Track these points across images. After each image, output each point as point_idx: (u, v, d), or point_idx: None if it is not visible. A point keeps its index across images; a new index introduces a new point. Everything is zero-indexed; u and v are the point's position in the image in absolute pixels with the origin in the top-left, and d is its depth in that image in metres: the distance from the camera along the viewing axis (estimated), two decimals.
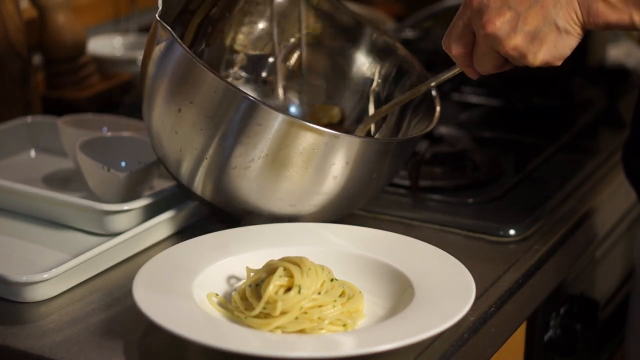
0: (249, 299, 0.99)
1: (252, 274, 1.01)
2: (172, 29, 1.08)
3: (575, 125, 1.53)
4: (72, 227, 1.18)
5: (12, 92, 1.44)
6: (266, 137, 1.06)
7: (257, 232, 1.10)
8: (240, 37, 1.31)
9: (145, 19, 1.84)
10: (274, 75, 1.33)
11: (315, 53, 1.34)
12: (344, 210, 1.17)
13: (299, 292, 0.97)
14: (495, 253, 1.18)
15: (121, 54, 1.72)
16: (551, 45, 0.99)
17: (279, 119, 1.06)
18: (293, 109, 1.33)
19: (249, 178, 1.09)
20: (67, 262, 1.07)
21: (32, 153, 1.40)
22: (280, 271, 0.98)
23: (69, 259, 1.09)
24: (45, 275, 1.04)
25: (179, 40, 1.08)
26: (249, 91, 1.31)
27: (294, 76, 1.34)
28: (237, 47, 1.31)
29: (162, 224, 1.17)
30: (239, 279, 1.05)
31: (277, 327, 0.96)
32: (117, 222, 1.16)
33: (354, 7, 1.42)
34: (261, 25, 1.32)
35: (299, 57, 1.34)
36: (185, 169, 1.12)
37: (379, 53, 1.31)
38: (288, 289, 0.98)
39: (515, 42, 0.99)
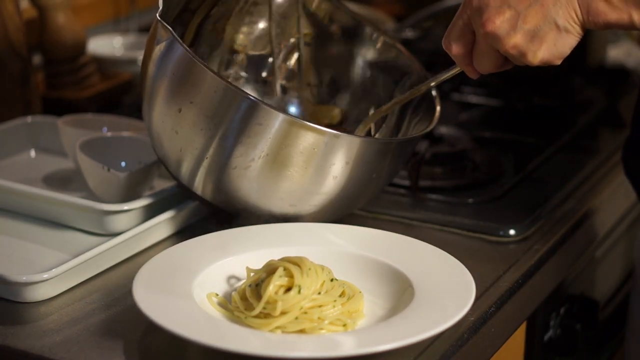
0: (249, 299, 0.99)
1: (252, 274, 1.01)
2: (172, 28, 1.08)
3: (575, 125, 1.53)
4: (72, 227, 1.18)
5: (12, 92, 1.44)
6: (266, 137, 1.06)
7: (257, 232, 1.10)
8: (240, 37, 1.31)
9: (145, 19, 1.84)
10: (274, 75, 1.33)
11: (315, 53, 1.34)
12: (344, 210, 1.17)
13: (299, 292, 0.97)
14: (495, 253, 1.18)
15: (121, 54, 1.72)
16: (551, 44, 0.99)
17: (279, 118, 1.06)
18: (293, 109, 1.33)
19: (249, 178, 1.09)
20: (67, 262, 1.07)
21: (32, 153, 1.40)
22: (280, 271, 0.98)
23: (69, 259, 1.09)
24: (45, 275, 1.04)
25: (180, 39, 1.08)
26: (249, 91, 1.31)
27: (294, 76, 1.34)
28: (237, 47, 1.31)
29: (162, 224, 1.17)
30: (239, 279, 1.05)
31: (277, 327, 0.96)
32: (117, 222, 1.16)
33: (354, 7, 1.42)
34: (261, 25, 1.32)
35: (299, 57, 1.34)
36: (185, 169, 1.12)
37: (379, 53, 1.32)
38: (288, 289, 0.98)
39: (515, 40, 0.99)
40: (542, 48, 0.99)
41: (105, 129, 1.34)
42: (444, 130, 1.46)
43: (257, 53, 1.32)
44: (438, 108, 1.21)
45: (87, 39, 1.56)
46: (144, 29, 1.82)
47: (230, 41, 1.30)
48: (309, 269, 0.99)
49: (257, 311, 0.97)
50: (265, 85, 1.33)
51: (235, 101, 1.06)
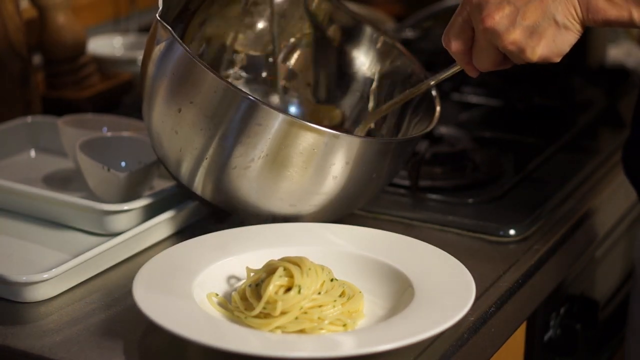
0: (249, 299, 0.99)
1: (252, 274, 1.01)
2: (172, 28, 1.08)
3: (575, 125, 1.53)
4: (72, 227, 1.18)
5: (12, 92, 1.44)
6: (266, 137, 1.06)
7: (257, 232, 1.10)
8: (240, 37, 1.31)
9: (145, 19, 1.84)
10: (274, 75, 1.33)
11: (315, 53, 1.34)
12: (344, 210, 1.17)
13: (299, 292, 0.97)
14: (495, 253, 1.18)
15: (121, 54, 1.72)
16: (550, 40, 1.00)
17: (279, 118, 1.06)
18: (293, 109, 1.33)
19: (249, 178, 1.09)
20: (67, 262, 1.07)
21: (32, 153, 1.40)
22: (280, 271, 0.98)
23: (69, 259, 1.09)
24: (45, 275, 1.04)
25: (179, 40, 1.08)
26: (249, 91, 1.31)
27: (294, 76, 1.34)
28: (237, 47, 1.31)
29: (162, 224, 1.17)
30: (239, 279, 1.05)
31: (277, 327, 0.96)
32: (117, 222, 1.16)
33: (354, 7, 1.42)
34: (261, 25, 1.32)
35: (299, 57, 1.34)
36: (185, 169, 1.12)
37: (379, 53, 1.32)
38: (288, 289, 0.98)
39: (514, 36, 0.99)
40: (540, 44, 0.99)
41: (105, 129, 1.34)
42: (444, 130, 1.46)
43: (257, 53, 1.32)
44: (438, 108, 1.21)
45: (87, 39, 1.56)
46: (144, 29, 1.82)
47: (230, 41, 1.30)
48: (309, 269, 0.99)
49: (257, 311, 0.97)
50: (265, 85, 1.33)
51: (235, 101, 1.06)
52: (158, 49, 1.10)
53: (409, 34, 1.81)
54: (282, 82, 1.33)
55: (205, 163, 1.10)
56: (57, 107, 1.49)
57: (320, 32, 1.33)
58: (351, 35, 1.32)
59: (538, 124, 1.55)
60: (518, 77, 1.63)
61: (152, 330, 0.98)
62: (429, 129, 1.17)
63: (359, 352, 0.91)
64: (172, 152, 1.12)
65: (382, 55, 1.31)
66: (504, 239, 1.20)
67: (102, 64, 1.63)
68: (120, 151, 1.27)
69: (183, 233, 1.19)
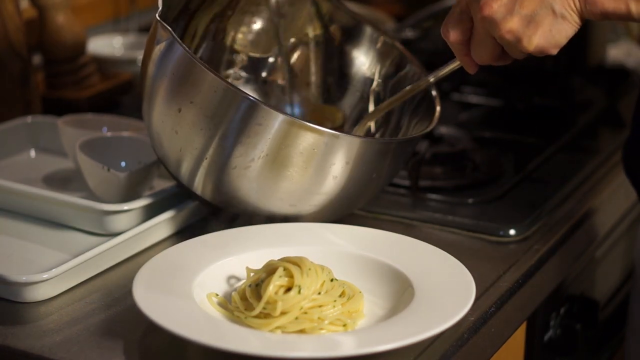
0: (249, 299, 0.99)
1: (252, 274, 1.01)
2: (172, 28, 1.08)
3: (575, 125, 1.53)
4: (72, 227, 1.18)
5: (12, 92, 1.44)
6: (266, 137, 1.06)
7: (257, 232, 1.10)
8: (240, 37, 1.31)
9: (145, 19, 1.84)
10: (274, 75, 1.33)
11: (315, 53, 1.34)
12: (344, 210, 1.17)
13: (299, 292, 0.97)
14: (495, 253, 1.18)
15: (121, 54, 1.72)
16: (547, 29, 0.99)
17: (279, 119, 1.06)
18: (293, 109, 1.33)
19: (249, 178, 1.09)
20: (67, 262, 1.07)
21: (32, 153, 1.40)
22: (280, 271, 0.98)
23: (69, 259, 1.09)
24: (45, 275, 1.04)
25: (179, 40, 1.08)
26: (249, 91, 1.31)
27: (294, 76, 1.34)
28: (237, 47, 1.31)
29: (162, 224, 1.17)
30: (239, 279, 1.05)
31: (277, 327, 0.96)
32: (117, 222, 1.16)
33: (354, 7, 1.42)
34: (261, 25, 1.32)
35: (299, 57, 1.34)
36: (185, 169, 1.12)
37: (379, 53, 1.32)
38: (288, 289, 0.98)
39: (511, 25, 0.99)
40: (537, 33, 0.99)
41: (105, 129, 1.34)
42: (444, 130, 1.46)
43: (257, 53, 1.32)
44: (438, 108, 1.21)
45: (87, 39, 1.56)
46: (144, 29, 1.82)
47: (230, 41, 1.30)
48: (309, 269, 0.99)
49: (257, 311, 0.97)
50: (265, 85, 1.33)
51: (235, 101, 1.06)
52: (158, 49, 1.10)
53: (409, 34, 1.81)
54: (282, 82, 1.33)
55: (205, 163, 1.10)
56: (57, 107, 1.49)
57: (321, 32, 1.33)
58: (351, 35, 1.32)
59: (538, 124, 1.55)
60: (518, 77, 1.63)
61: (152, 330, 0.98)
62: (429, 129, 1.17)
63: (359, 352, 0.91)
64: (172, 152, 1.12)
65: (382, 55, 1.31)
66: (504, 239, 1.20)
67: (102, 64, 1.63)
68: (120, 151, 1.27)
69: (183, 233, 1.19)
